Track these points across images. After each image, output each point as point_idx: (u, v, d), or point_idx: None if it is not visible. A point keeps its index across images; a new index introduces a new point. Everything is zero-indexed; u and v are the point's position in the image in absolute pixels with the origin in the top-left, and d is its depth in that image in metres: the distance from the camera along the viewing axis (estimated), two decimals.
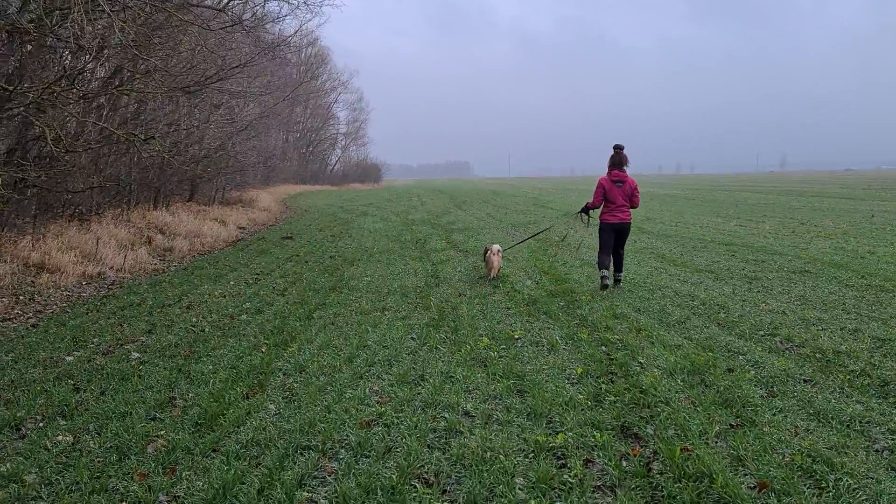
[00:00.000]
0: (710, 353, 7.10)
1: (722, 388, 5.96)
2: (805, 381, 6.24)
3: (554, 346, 7.50)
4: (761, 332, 8.10)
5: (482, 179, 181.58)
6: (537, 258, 14.98)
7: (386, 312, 9.53)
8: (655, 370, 6.48)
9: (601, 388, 6.10)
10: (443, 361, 7.06)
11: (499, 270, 12.11)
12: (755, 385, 6.10)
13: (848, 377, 6.31)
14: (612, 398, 5.86)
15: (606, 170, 10.93)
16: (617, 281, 11.21)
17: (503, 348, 7.50)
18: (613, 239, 10.94)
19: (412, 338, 8.10)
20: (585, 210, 11.47)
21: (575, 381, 6.40)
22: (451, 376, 6.56)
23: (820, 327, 8.33)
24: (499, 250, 12.10)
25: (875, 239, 18.15)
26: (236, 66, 19.03)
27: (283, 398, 6.17)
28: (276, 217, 30.60)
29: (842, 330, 8.16)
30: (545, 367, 6.75)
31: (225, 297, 11.30)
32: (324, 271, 13.67)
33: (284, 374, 6.86)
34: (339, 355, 7.38)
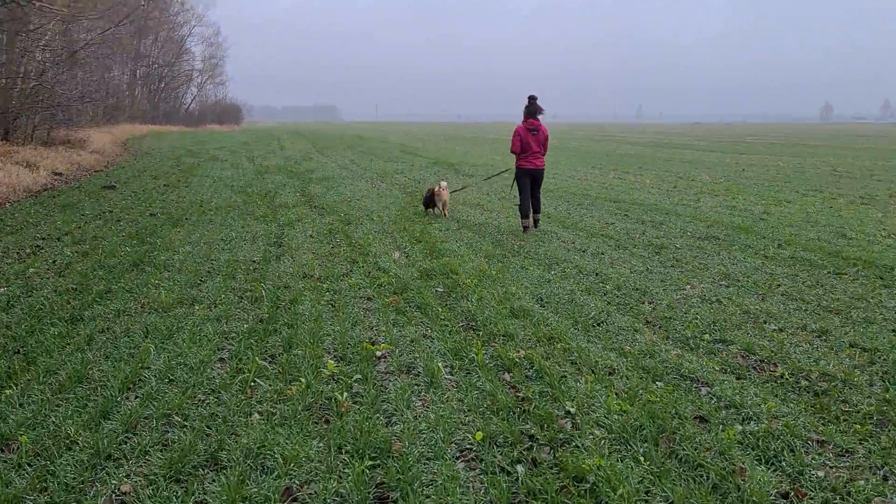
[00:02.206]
0: (660, 385, 4.79)
1: (716, 479, 3.59)
2: (819, 441, 4.01)
3: (434, 376, 4.92)
4: (708, 338, 5.90)
5: (349, 123, 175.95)
6: (408, 220, 12.34)
7: (195, 308, 6.62)
8: (597, 432, 4.05)
9: (516, 482, 3.59)
10: (259, 415, 4.33)
11: (446, 205, 12.94)
12: (754, 458, 3.80)
13: (865, 427, 4.16)
14: None
15: (522, 118, 11.31)
16: (535, 221, 11.60)
17: (357, 381, 4.86)
18: (530, 184, 11.39)
19: (221, 361, 5.30)
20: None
21: (472, 459, 3.86)
22: (266, 453, 3.86)
23: (775, 327, 6.26)
24: (446, 187, 13.02)
25: (759, 196, 16.81)
26: None
27: None
28: (108, 161, 26.14)
29: (804, 331, 6.11)
30: (422, 427, 4.17)
31: None
32: (133, 236, 10.42)
33: None
34: (85, 409, 4.45)
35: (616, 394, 4.58)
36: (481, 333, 5.89)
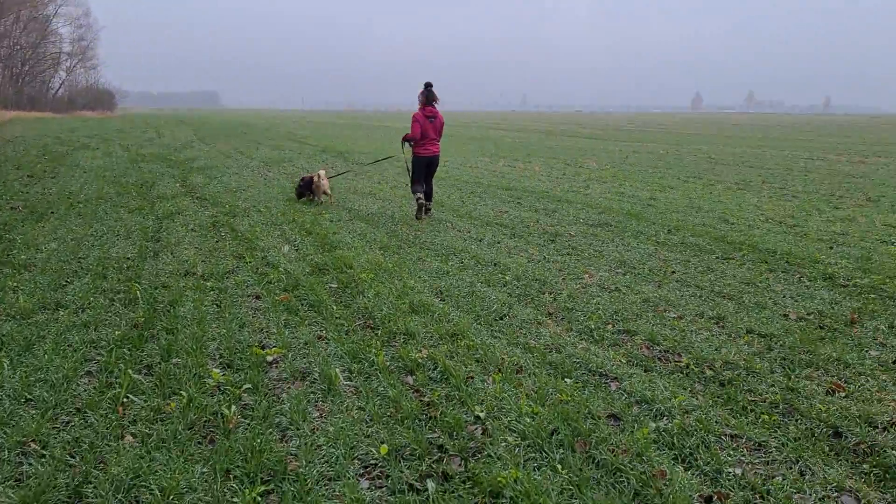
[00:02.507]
0: (570, 382, 4.59)
1: (636, 485, 3.39)
2: (732, 435, 3.91)
3: (332, 383, 4.52)
4: (612, 329, 5.79)
5: (233, 110, 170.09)
6: (298, 210, 11.78)
7: (60, 314, 5.92)
8: (509, 438, 3.78)
9: (427, 501, 3.27)
10: (133, 437, 3.81)
11: (327, 193, 12.74)
12: (671, 458, 3.64)
13: (773, 418, 4.11)
14: None
15: (419, 105, 11.29)
16: (427, 209, 11.55)
17: (247, 391, 4.40)
18: (425, 171, 11.42)
19: (88, 375, 4.70)
20: (406, 140, 11.49)
21: (377, 476, 3.50)
22: (140, 484, 3.36)
23: (674, 314, 6.23)
24: (325, 174, 12.84)
25: (644, 182, 17.24)
26: None
27: None
28: None
29: (703, 318, 6.11)
30: (321, 442, 3.77)
31: None
32: None
33: None
34: None
35: (526, 394, 4.34)
36: (380, 332, 5.54)
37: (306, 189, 12.95)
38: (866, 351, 5.27)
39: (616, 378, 4.66)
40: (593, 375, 4.74)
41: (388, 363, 4.87)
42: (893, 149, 31.27)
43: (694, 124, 72.00)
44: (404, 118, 64.09)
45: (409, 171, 11.71)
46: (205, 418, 4.03)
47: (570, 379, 4.64)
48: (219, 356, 5.02)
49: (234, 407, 4.10)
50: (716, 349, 5.26)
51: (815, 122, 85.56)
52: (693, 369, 4.85)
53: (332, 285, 6.97)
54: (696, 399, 4.36)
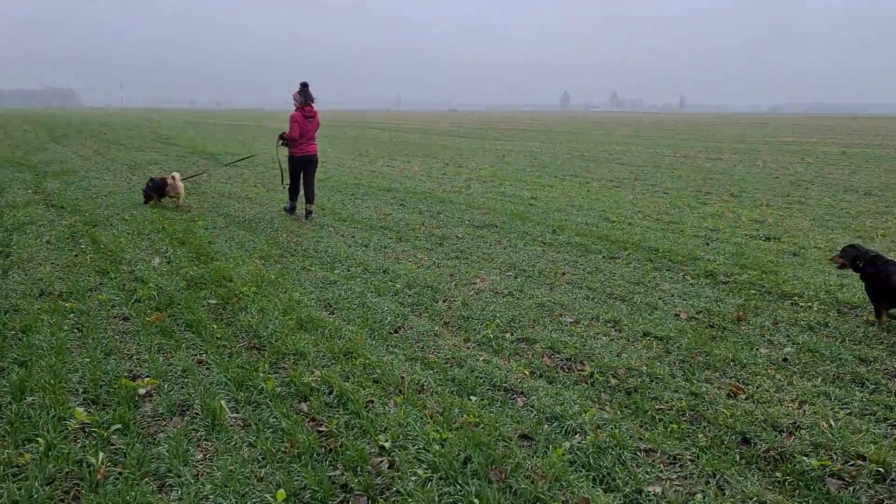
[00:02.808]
0: (475, 400, 4.35)
1: None
2: (646, 450, 3.78)
3: (216, 416, 4.05)
4: (511, 337, 5.61)
5: (91, 109, 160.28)
6: (168, 218, 10.96)
7: None
8: (419, 472, 3.47)
9: None
10: None
11: (180, 196, 12.20)
12: (590, 480, 3.45)
13: (682, 427, 4.03)
14: None
15: (295, 105, 11.16)
16: (309, 212, 11.42)
17: (117, 433, 3.86)
18: (303, 170, 11.32)
19: None
20: (282, 138, 11.31)
21: None
22: None
23: (570, 319, 6.13)
24: (179, 177, 12.33)
25: (523, 181, 17.40)
26: None
27: None
28: None
29: (599, 322, 6.05)
30: (207, 490, 3.31)
31: None
32: None
33: None
34: None
35: (432, 417, 4.06)
36: (267, 354, 5.09)
37: (154, 192, 12.11)
38: (757, 349, 5.35)
39: (522, 392, 4.46)
40: (498, 391, 4.52)
41: (278, 389, 4.45)
42: (743, 145, 33.32)
43: (563, 121, 74.31)
44: (278, 118, 62.71)
45: (282, 172, 11.57)
46: (67, 469, 3.48)
47: (476, 396, 4.39)
48: (82, 391, 4.42)
49: (101, 454, 3.58)
50: (616, 355, 5.18)
51: (672, 119, 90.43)
52: (598, 378, 4.72)
53: (211, 301, 6.42)
54: (606, 411, 4.22)
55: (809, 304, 6.52)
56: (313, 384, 4.48)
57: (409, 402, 4.26)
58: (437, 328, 5.79)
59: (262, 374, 4.62)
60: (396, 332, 5.71)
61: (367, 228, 10.69)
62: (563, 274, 7.83)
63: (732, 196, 14.77)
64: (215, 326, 5.67)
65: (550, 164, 22.36)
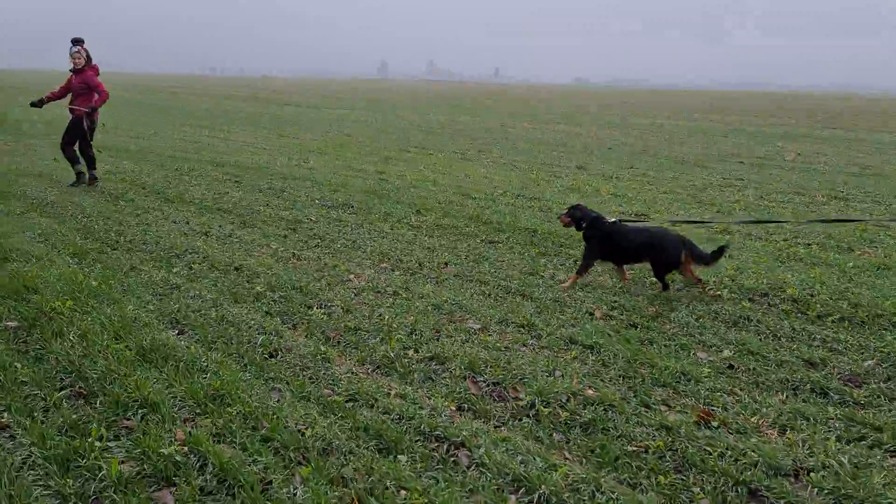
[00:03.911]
0: (405, 462, 3.24)
1: None
2: None
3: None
4: (416, 357, 4.53)
5: None
6: None
7: None
8: None
9: None
10: None
11: None
12: None
13: (670, 478, 3.20)
14: None
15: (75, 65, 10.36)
16: (94, 178, 10.78)
17: None
18: (81, 130, 10.57)
19: None
20: (40, 103, 10.73)
21: None
22: None
23: (476, 324, 5.16)
24: None
25: (367, 154, 16.25)
26: None
27: None
28: None
29: (510, 328, 5.13)
30: None
31: None
32: None
33: None
34: None
35: (358, 500, 2.91)
36: (101, 406, 3.66)
37: None
38: (694, 354, 4.67)
39: (462, 443, 3.41)
40: (430, 441, 3.45)
41: (125, 470, 3.08)
42: (564, 116, 34.07)
43: (384, 90, 73.11)
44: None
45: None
46: None
47: (404, 455, 3.29)
48: None
49: None
50: (549, 374, 4.27)
51: (489, 89, 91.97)
52: (542, 411, 3.78)
53: (10, 324, 4.77)
54: (572, 464, 3.29)
55: (718, 292, 6.01)
56: (177, 457, 3.15)
57: (320, 474, 3.08)
58: (322, 348, 4.58)
59: (97, 446, 3.21)
60: (273, 356, 4.45)
61: (203, 211, 9.12)
62: (446, 265, 6.86)
63: (580, 168, 14.51)
64: (18, 365, 4.09)
65: (386, 135, 21.28)
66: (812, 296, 5.81)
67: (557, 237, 7.93)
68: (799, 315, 5.43)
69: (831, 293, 5.86)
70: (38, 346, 4.40)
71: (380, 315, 5.26)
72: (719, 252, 5.75)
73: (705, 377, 4.23)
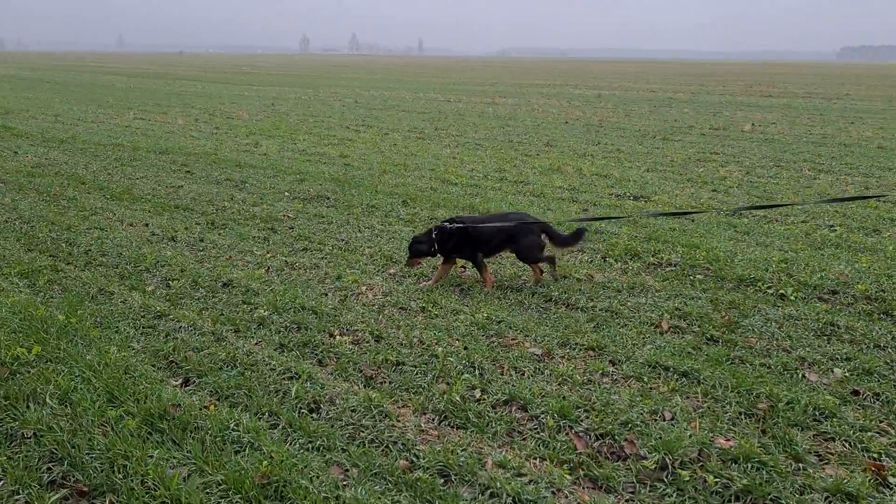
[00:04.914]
0: None
1: None
2: None
3: None
4: (486, 398, 3.69)
5: None
6: None
7: None
8: None
9: None
10: None
11: None
12: None
13: None
14: None
15: None
16: None
17: None
18: None
19: None
20: None
21: None
22: None
23: (536, 348, 4.35)
24: None
25: (317, 134, 15.09)
26: None
27: None
28: None
29: (577, 352, 4.33)
30: None
31: None
32: None
33: None
34: None
35: None
36: None
37: None
38: (803, 376, 3.98)
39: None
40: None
41: None
42: (505, 89, 33.29)
43: (312, 66, 70.70)
44: None
45: None
46: None
47: None
48: None
49: None
50: (654, 415, 3.50)
51: (418, 63, 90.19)
52: (681, 476, 2.99)
53: None
54: None
55: (768, 288, 5.35)
56: None
57: None
58: (369, 393, 3.68)
59: None
60: (314, 411, 3.52)
61: (159, 210, 7.97)
62: (463, 269, 6.01)
63: (549, 146, 13.76)
64: None
65: (331, 113, 20.04)
66: (884, 291, 5.22)
67: (570, 228, 7.15)
68: (883, 316, 4.82)
69: None
70: (7, 418, 3.34)
71: (419, 341, 4.38)
72: (578, 234, 5.52)
73: (838, 410, 3.54)
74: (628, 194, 9.04)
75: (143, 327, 4.53)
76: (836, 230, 7.13)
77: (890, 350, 4.27)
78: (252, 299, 5.08)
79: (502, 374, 3.96)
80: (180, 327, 4.52)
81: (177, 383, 3.77)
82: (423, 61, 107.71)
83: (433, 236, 5.50)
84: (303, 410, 3.50)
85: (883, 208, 8.04)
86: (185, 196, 8.70)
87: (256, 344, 4.31)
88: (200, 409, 3.42)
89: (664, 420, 3.45)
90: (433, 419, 3.51)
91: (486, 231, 5.50)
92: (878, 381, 3.87)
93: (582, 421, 3.45)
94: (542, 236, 5.49)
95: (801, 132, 15.98)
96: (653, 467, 3.06)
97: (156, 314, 4.74)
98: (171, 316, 4.71)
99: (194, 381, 3.80)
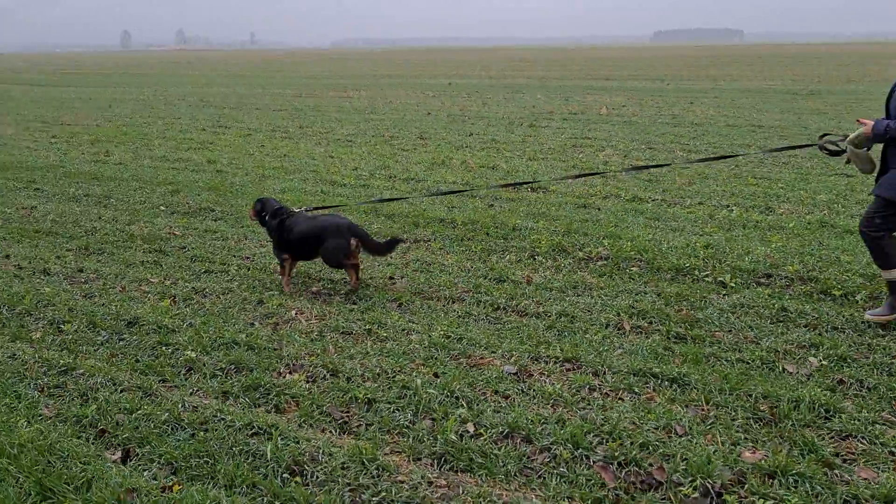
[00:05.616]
0: None
1: None
2: None
3: None
4: (481, 431, 3.31)
5: None
6: None
7: None
8: None
9: None
10: None
11: None
12: None
13: None
14: None
15: None
16: None
17: None
18: None
19: None
20: None
21: None
22: None
23: (501, 359, 4.01)
24: None
25: (168, 139, 13.87)
26: None
27: None
28: None
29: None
30: None
31: None
32: None
33: None
34: None
35: None
36: None
37: None
38: (781, 368, 3.91)
39: None
40: None
41: None
42: (355, 81, 32.60)
43: (138, 64, 66.10)
44: None
45: None
46: None
47: None
48: None
49: None
50: (665, 430, 3.26)
51: (251, 57, 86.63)
52: (729, 502, 2.77)
53: None
54: None
55: (705, 277, 5.34)
56: None
57: None
58: (357, 443, 3.17)
59: None
60: (297, 474, 2.96)
61: (18, 237, 6.92)
62: (391, 278, 5.55)
63: (422, 139, 13.43)
64: None
65: (179, 114, 18.60)
66: (812, 270, 5.34)
67: (485, 227, 6.87)
68: (826, 298, 4.90)
69: (825, 265, 5.43)
70: None
71: (382, 371, 3.91)
72: (393, 243, 5.40)
73: (839, 403, 3.46)
74: (528, 188, 8.86)
75: (49, 387, 3.73)
76: (733, 211, 7.32)
77: (849, 331, 4.31)
78: (169, 338, 4.36)
79: (486, 401, 3.58)
80: (95, 383, 3.76)
81: (115, 457, 3.08)
82: (257, 55, 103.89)
83: (271, 209, 5.52)
84: (285, 476, 2.95)
85: (762, 185, 8.40)
86: (43, 218, 7.58)
87: (196, 397, 3.65)
88: (162, 493, 2.78)
89: (679, 436, 3.22)
90: (431, 464, 3.08)
91: (299, 226, 5.32)
92: (856, 367, 3.86)
93: (596, 448, 3.15)
94: (354, 241, 5.18)
95: (652, 113, 16.68)
96: (695, 496, 2.81)
97: (59, 369, 3.93)
98: (78, 369, 3.92)
99: (137, 454, 3.13)
